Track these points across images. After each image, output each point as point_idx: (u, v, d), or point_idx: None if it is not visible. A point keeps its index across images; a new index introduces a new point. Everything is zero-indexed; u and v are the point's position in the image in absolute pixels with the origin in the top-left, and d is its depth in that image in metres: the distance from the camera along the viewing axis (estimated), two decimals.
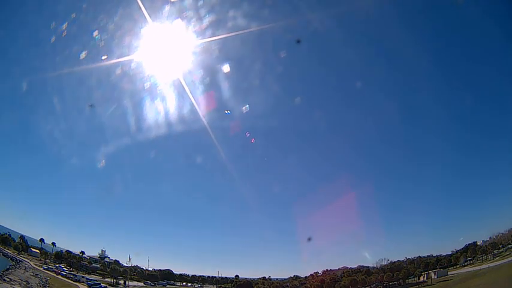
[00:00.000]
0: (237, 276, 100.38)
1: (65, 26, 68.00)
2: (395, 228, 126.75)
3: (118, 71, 70.47)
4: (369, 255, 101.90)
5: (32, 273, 57.24)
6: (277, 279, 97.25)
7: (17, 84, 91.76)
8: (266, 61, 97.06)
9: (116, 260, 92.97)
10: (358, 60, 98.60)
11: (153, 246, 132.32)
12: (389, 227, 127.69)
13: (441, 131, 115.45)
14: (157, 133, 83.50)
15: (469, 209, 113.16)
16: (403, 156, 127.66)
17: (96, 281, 69.94)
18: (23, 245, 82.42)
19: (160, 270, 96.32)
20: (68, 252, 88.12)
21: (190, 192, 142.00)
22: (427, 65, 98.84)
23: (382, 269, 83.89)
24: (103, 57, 66.63)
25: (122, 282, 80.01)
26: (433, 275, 71.91)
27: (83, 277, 70.29)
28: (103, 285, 68.33)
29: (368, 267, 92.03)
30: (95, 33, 64.67)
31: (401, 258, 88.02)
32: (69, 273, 71.26)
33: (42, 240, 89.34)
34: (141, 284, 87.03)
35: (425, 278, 72.17)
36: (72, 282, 63.91)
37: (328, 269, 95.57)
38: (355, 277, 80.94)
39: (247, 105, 78.38)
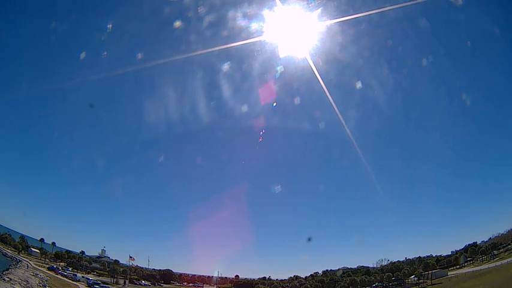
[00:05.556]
0: (237, 276, 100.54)
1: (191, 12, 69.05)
2: (396, 229, 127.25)
3: (245, 53, 73.06)
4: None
5: (32, 273, 57.12)
6: (277, 279, 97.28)
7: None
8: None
9: (115, 259, 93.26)
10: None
11: (153, 246, 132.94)
12: (389, 227, 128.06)
13: (440, 132, 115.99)
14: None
15: (469, 210, 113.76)
16: (404, 157, 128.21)
17: (96, 280, 69.86)
18: (23, 244, 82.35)
19: (160, 270, 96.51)
20: (68, 251, 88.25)
21: (191, 192, 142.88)
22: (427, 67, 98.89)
23: (382, 270, 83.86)
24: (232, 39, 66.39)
25: (122, 282, 79.99)
26: (432, 275, 71.76)
27: (83, 277, 70.26)
28: (103, 284, 68.22)
29: (368, 267, 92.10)
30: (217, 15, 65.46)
31: (401, 259, 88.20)
32: (69, 273, 71.28)
33: (42, 240, 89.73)
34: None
35: (425, 279, 72.05)
36: (72, 281, 63.88)
37: (328, 269, 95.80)
38: (354, 277, 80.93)
39: None
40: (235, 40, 64.30)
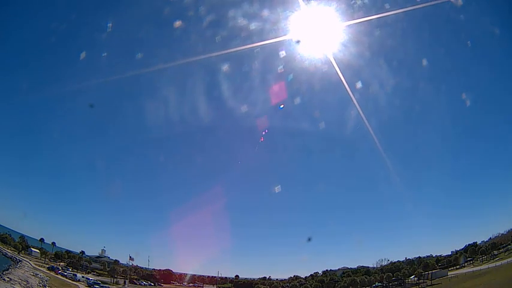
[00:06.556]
0: (237, 276, 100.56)
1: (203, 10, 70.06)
2: (396, 229, 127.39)
3: (266, 54, 72.43)
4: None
5: (32, 273, 57.11)
6: (277, 279, 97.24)
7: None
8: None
9: (115, 259, 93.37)
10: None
11: (153, 246, 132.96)
12: (389, 227, 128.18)
13: (440, 132, 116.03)
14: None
15: (469, 210, 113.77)
16: (404, 158, 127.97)
17: (96, 280, 69.90)
18: (23, 244, 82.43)
19: (160, 270, 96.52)
20: (68, 251, 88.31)
21: (192, 192, 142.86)
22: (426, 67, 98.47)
23: (382, 270, 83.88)
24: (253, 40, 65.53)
25: (121, 282, 79.97)
26: (432, 275, 71.79)
27: (83, 277, 70.27)
28: (102, 284, 68.27)
29: (368, 267, 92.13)
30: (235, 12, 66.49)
31: (401, 259, 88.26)
32: (69, 273, 71.31)
33: (42, 240, 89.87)
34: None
35: (424, 279, 72.06)
36: (71, 281, 63.90)
37: (328, 269, 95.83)
38: (354, 277, 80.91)
39: None
40: (249, 42, 65.56)
